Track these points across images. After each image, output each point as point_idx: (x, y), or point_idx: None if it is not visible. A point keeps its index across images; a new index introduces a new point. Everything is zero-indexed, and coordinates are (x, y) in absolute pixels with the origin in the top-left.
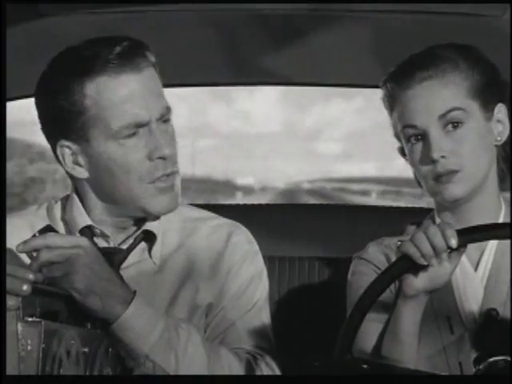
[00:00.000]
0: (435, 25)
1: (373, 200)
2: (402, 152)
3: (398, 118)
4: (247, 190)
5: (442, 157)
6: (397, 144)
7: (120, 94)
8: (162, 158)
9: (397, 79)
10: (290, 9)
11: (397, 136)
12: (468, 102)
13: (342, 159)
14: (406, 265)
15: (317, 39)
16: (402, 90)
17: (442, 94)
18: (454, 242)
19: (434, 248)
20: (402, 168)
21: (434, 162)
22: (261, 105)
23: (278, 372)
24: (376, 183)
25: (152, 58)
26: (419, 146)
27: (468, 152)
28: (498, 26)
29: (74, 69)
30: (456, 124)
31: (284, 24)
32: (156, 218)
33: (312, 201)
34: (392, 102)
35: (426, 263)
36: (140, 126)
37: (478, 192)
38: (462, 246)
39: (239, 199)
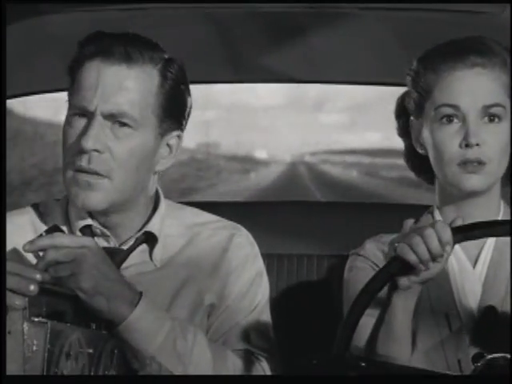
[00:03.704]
0: (435, 22)
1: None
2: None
3: (437, 95)
4: (255, 163)
5: (477, 144)
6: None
7: (85, 75)
8: (81, 150)
9: (445, 57)
10: (290, 6)
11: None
12: (508, 101)
13: (346, 129)
14: (403, 263)
15: (317, 37)
16: (448, 69)
17: (491, 86)
18: (449, 248)
19: (430, 253)
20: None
21: (467, 146)
22: None
23: (279, 372)
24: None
25: (142, 56)
26: (451, 128)
27: (497, 148)
28: (498, 23)
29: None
30: (493, 118)
31: (285, 22)
32: (156, 220)
33: (316, 171)
34: (433, 79)
35: (423, 268)
36: (84, 111)
37: (487, 190)
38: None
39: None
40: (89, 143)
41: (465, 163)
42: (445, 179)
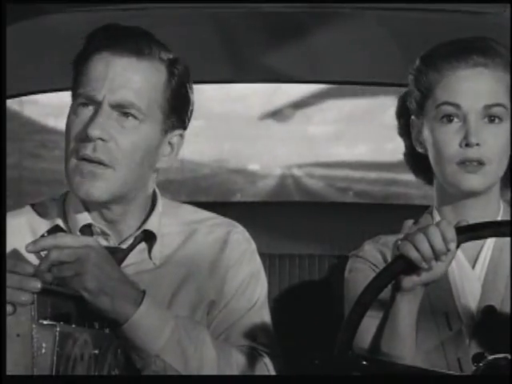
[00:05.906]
0: (435, 22)
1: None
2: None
3: (439, 93)
4: (246, 175)
5: (477, 144)
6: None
7: (94, 67)
8: (86, 138)
9: (448, 56)
10: (290, 6)
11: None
12: (509, 102)
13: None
14: (406, 262)
15: (317, 37)
16: (451, 68)
17: (493, 87)
18: (453, 246)
19: (434, 251)
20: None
21: (467, 145)
22: (254, 86)
23: (282, 367)
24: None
25: (152, 51)
26: (451, 128)
27: (497, 149)
28: (498, 23)
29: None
30: (493, 119)
31: (285, 22)
32: (155, 218)
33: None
34: (435, 77)
35: (426, 267)
36: (91, 100)
37: (486, 191)
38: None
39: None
40: (95, 131)
41: (464, 162)
42: (444, 179)
